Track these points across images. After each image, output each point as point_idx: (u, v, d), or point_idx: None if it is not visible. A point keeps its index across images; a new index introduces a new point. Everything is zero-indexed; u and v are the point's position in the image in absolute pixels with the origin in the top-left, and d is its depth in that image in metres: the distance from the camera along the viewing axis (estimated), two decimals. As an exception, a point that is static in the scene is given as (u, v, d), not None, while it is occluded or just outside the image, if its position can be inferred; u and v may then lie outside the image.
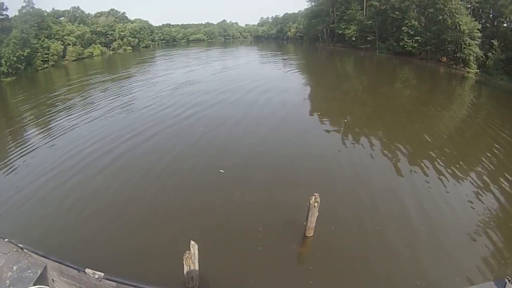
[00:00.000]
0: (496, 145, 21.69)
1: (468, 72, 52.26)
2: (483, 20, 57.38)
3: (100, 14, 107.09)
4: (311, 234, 11.36)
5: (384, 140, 21.63)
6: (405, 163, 18.26)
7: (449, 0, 56.04)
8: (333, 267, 10.39)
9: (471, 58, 52.93)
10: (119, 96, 34.71)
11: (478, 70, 51.85)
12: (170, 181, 15.73)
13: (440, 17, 57.53)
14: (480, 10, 58.57)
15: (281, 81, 41.80)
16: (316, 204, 10.63)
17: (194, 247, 8.58)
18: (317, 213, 10.87)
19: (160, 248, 11.03)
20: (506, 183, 16.31)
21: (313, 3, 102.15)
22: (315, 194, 10.71)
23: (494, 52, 50.29)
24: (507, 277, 3.27)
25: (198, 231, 11.34)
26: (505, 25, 54.64)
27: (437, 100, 35.14)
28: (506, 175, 17.23)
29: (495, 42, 50.43)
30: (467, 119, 28.86)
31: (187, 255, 8.45)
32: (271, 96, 32.23)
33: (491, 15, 58.59)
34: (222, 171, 16.39)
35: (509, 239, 12.16)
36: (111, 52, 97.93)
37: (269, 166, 17.12)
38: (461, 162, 18.62)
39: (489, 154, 20.13)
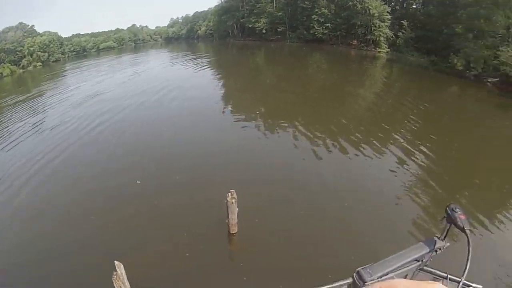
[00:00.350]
0: (411, 116, 22.89)
1: (379, 52, 55.09)
2: (392, 4, 60.34)
3: (8, 29, 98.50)
4: (235, 231, 11.14)
5: (300, 127, 21.52)
6: (324, 146, 18.50)
7: None
8: (263, 259, 10.15)
9: (382, 39, 55.77)
10: (28, 117, 32.13)
11: (389, 49, 54.81)
12: (87, 203, 14.42)
13: (350, 3, 59.42)
14: None
15: (191, 80, 40.89)
16: (233, 200, 10.41)
17: (119, 267, 8.06)
18: (237, 209, 10.64)
19: (85, 274, 10.03)
20: (424, 149, 17.55)
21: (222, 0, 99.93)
22: (231, 190, 10.44)
23: (404, 31, 53.33)
24: (436, 235, 2.87)
25: (122, 249, 10.72)
26: (414, 6, 58.50)
27: (351, 81, 36.37)
28: (422, 142, 18.41)
29: (405, 22, 53.25)
30: (381, 95, 30.12)
31: (115, 276, 7.79)
32: (181, 96, 31.49)
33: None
34: (139, 182, 15.44)
35: (433, 199, 13.11)
36: (21, 71, 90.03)
37: (185, 167, 16.48)
38: (380, 136, 19.41)
39: (404, 126, 21.23)
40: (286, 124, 22.03)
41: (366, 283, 2.30)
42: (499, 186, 14.56)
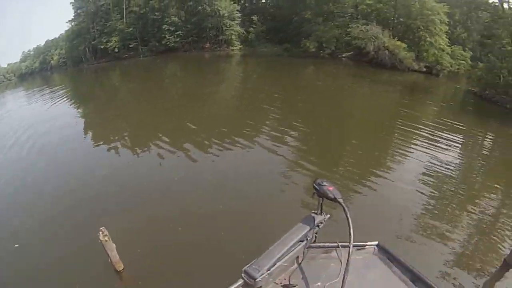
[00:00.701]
0: (274, 103, 22.92)
1: (233, 50, 54.77)
2: (242, 1, 60.55)
3: None
4: (122, 267, 9.49)
5: (165, 140, 19.22)
6: (194, 152, 17.13)
7: None
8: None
9: (233, 37, 55.27)
10: None
11: (241, 46, 54.71)
12: None
13: (200, 7, 57.65)
14: None
15: (47, 119, 32.96)
16: (106, 238, 9.05)
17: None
18: (114, 245, 9.15)
19: None
20: (292, 132, 17.53)
21: (73, 23, 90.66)
22: (101, 228, 8.88)
23: (255, 26, 53.92)
24: (313, 211, 2.98)
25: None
26: (263, 1, 60.42)
27: (210, 83, 34.36)
28: (290, 125, 18.51)
29: (255, 18, 54.09)
30: (241, 88, 30.05)
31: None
32: (35, 137, 25.07)
33: None
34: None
35: (306, 180, 12.82)
36: None
37: (45, 215, 12.88)
38: (250, 126, 19.16)
39: (267, 113, 21.09)
40: (150, 142, 19.37)
41: (257, 280, 2.38)
42: (364, 154, 15.60)
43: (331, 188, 2.79)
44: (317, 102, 22.94)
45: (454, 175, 14.75)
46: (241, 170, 14.20)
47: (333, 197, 2.75)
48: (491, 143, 22.95)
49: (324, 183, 2.83)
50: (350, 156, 15.33)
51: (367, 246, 3.31)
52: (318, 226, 2.94)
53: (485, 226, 11.16)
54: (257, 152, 15.78)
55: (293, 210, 10.73)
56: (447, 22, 47.24)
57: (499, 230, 10.94)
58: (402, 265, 3.17)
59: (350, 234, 2.63)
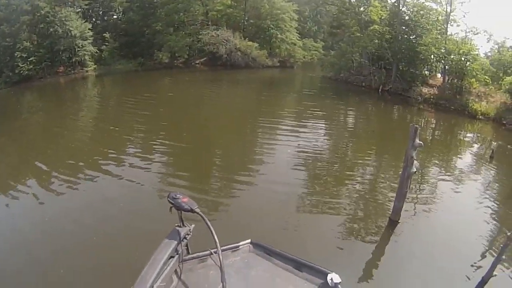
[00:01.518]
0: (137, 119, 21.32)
1: (87, 71, 51.50)
2: (93, 19, 57.92)
3: None
4: None
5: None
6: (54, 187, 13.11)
7: (58, 10, 52.25)
8: None
9: (87, 57, 51.75)
10: None
11: (96, 66, 51.72)
12: None
13: (51, 29, 52.72)
14: (90, 11, 58.63)
15: None
16: None
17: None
18: None
19: None
20: (156, 151, 15.90)
21: None
22: None
23: (107, 43, 51.32)
24: (176, 224, 3.01)
25: None
26: (115, 16, 58.12)
27: (66, 112, 29.63)
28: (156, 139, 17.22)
29: (107, 35, 51.58)
30: (98, 112, 27.01)
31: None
32: None
33: (101, 12, 60.19)
34: None
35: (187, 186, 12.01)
36: None
37: None
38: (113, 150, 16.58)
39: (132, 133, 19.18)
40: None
41: None
42: (233, 156, 15.12)
43: (185, 200, 2.84)
44: (178, 113, 22.42)
45: (326, 154, 15.35)
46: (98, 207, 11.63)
47: (189, 208, 2.79)
48: (353, 117, 25.00)
49: (178, 196, 2.86)
50: (220, 161, 14.89)
51: (240, 246, 3.39)
52: (185, 238, 2.96)
53: (368, 191, 11.73)
54: (116, 182, 13.18)
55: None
56: (296, 19, 49.16)
57: (381, 191, 11.79)
58: (282, 256, 3.27)
59: (215, 241, 2.67)
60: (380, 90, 32.26)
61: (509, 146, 20.77)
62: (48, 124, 25.36)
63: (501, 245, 7.05)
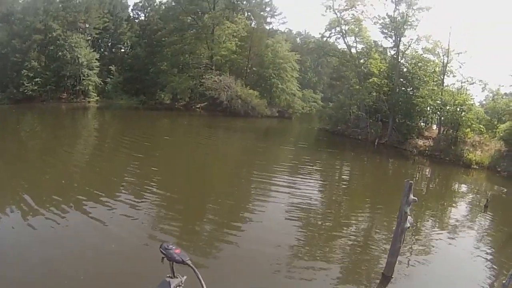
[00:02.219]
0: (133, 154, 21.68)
1: (89, 102, 52.10)
2: (102, 50, 59.17)
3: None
4: None
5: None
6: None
7: (70, 35, 53.28)
8: None
9: (90, 88, 52.58)
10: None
11: (98, 97, 52.35)
12: None
13: (60, 53, 53.51)
14: (100, 40, 59.90)
15: None
16: None
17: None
18: None
19: None
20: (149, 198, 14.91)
21: None
22: None
23: (112, 76, 52.14)
24: (167, 275, 3.04)
25: None
26: (122, 50, 59.50)
27: (63, 139, 29.90)
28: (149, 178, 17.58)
29: (113, 68, 52.44)
30: (98, 145, 27.11)
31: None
32: None
33: (109, 44, 61.58)
34: None
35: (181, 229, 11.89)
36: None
37: None
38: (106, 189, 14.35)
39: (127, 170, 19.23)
40: None
41: None
42: (228, 206, 14.71)
43: (178, 251, 2.82)
44: (172, 159, 22.31)
45: (320, 209, 15.18)
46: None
47: (181, 260, 2.77)
48: (348, 171, 25.04)
49: (171, 246, 2.83)
50: (212, 212, 14.58)
51: None
52: None
53: (361, 246, 11.60)
54: (101, 229, 12.21)
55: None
56: (298, 69, 50.35)
57: (375, 245, 11.58)
58: None
59: None
60: (376, 144, 32.85)
61: (503, 189, 21.72)
62: (44, 152, 25.54)
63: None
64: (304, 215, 13.84)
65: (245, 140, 31.40)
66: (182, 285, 2.91)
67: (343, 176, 23.80)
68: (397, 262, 9.63)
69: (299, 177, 19.55)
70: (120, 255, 10.19)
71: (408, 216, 9.03)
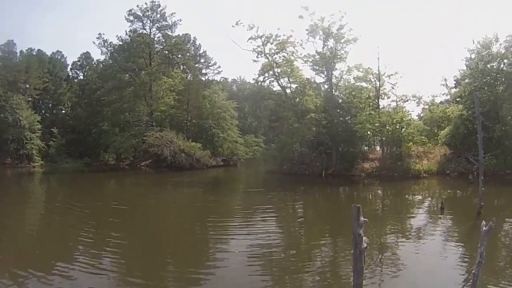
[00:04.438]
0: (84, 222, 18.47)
1: (34, 166, 50.94)
2: (43, 111, 59.26)
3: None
4: None
5: None
6: None
7: (11, 95, 53.09)
8: None
9: (34, 151, 51.87)
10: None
11: (43, 162, 51.58)
12: None
13: (2, 115, 52.70)
14: (40, 102, 60.17)
15: None
16: None
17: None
18: None
19: None
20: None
21: None
22: None
23: (55, 139, 51.79)
24: None
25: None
26: (63, 111, 60.01)
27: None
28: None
29: (55, 130, 52.18)
30: (45, 214, 24.88)
31: None
32: None
33: (50, 105, 61.83)
34: None
35: None
36: None
37: None
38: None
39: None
40: None
41: None
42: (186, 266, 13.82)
43: None
44: (124, 222, 21.39)
45: (280, 246, 15.17)
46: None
47: None
48: (301, 206, 25.33)
49: None
50: (174, 266, 14.12)
51: None
52: None
53: (328, 273, 11.72)
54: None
55: None
56: (237, 116, 52.73)
57: (342, 270, 11.63)
58: None
59: None
60: (323, 175, 33.74)
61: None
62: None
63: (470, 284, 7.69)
64: (267, 255, 13.81)
65: (195, 194, 31.67)
66: None
67: (298, 211, 24.17)
68: (367, 282, 9.88)
69: (255, 221, 19.67)
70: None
71: (364, 237, 9.20)
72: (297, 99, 40.40)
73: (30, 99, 56.78)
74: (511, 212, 18.36)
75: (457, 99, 35.38)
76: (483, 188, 16.49)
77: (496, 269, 10.87)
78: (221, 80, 72.26)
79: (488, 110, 26.25)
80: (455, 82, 42.47)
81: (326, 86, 40.29)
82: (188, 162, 43.41)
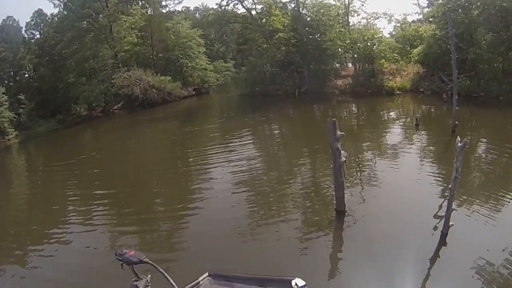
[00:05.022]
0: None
1: (9, 139, 48.07)
2: (6, 82, 55.86)
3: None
4: None
5: None
6: None
7: None
8: None
9: (6, 124, 48.54)
10: None
11: (17, 132, 48.86)
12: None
13: None
14: (1, 72, 56.70)
15: None
16: None
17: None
18: None
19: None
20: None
21: None
22: None
23: (24, 106, 49.41)
24: (133, 279, 3.09)
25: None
26: (26, 75, 56.22)
27: None
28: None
29: (22, 96, 49.48)
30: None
31: None
32: None
33: (12, 73, 57.83)
34: None
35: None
36: None
37: None
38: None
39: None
40: None
41: None
42: (173, 194, 14.96)
43: (132, 253, 2.85)
44: (108, 167, 21.79)
45: (261, 167, 15.64)
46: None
47: (138, 260, 2.82)
48: (278, 126, 26.23)
49: (124, 251, 2.87)
50: (161, 199, 14.76)
51: (200, 281, 3.35)
52: None
53: (310, 189, 12.37)
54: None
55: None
56: (203, 43, 50.93)
57: (323, 185, 12.31)
58: (243, 279, 3.34)
59: (173, 285, 2.74)
60: (297, 94, 34.33)
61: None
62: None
63: (447, 198, 7.96)
64: (249, 180, 14.04)
65: (171, 127, 31.69)
66: (149, 284, 3.00)
67: (274, 132, 24.92)
68: (348, 195, 10.40)
69: (233, 147, 19.91)
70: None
71: (342, 151, 9.60)
72: (264, 20, 40.07)
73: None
74: (485, 132, 18.60)
75: (430, 19, 33.93)
76: (457, 107, 16.36)
77: (471, 184, 11.38)
78: (183, 10, 69.02)
79: (462, 32, 24.75)
80: (427, 2, 40.81)
81: (292, 5, 39.36)
82: (160, 97, 42.66)
